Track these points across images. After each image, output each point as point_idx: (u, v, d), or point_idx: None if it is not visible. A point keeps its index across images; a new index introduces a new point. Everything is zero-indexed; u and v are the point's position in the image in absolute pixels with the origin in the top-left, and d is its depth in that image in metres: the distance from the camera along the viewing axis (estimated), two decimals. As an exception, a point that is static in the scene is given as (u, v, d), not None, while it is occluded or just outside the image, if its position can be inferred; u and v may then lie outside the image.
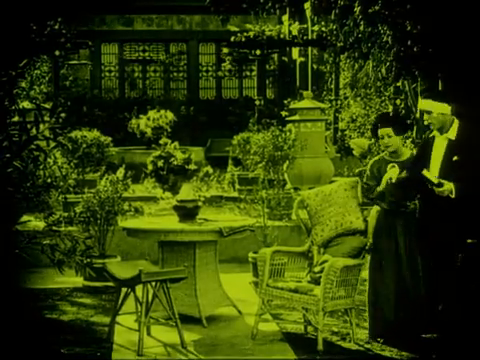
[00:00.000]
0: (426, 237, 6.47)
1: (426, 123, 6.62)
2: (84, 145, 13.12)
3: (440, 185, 6.29)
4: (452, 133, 6.44)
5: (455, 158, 6.38)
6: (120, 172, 9.99)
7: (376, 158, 7.10)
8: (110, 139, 14.14)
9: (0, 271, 5.66)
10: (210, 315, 7.42)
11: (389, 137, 6.80)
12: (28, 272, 9.17)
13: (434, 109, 6.45)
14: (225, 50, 21.13)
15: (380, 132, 6.83)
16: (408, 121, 13.85)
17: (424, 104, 6.53)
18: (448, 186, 6.27)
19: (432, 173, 6.42)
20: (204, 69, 23.27)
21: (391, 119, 6.96)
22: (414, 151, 7.12)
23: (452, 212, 6.32)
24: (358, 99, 15.81)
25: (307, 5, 15.07)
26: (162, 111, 19.49)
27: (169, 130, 19.13)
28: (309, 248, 7.09)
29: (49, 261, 5.80)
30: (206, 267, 7.54)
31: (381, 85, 14.35)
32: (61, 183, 7.91)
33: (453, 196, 6.26)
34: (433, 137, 6.57)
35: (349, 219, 6.89)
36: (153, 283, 6.69)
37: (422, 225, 6.54)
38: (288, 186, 12.80)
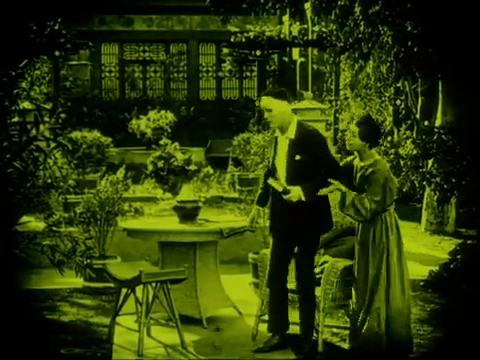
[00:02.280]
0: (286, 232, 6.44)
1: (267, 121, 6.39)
2: (84, 145, 13.15)
3: (285, 192, 6.17)
4: (291, 132, 6.25)
5: (298, 157, 6.21)
6: (120, 173, 9.98)
7: (348, 158, 6.88)
8: (110, 140, 14.16)
9: (0, 272, 5.65)
10: (210, 316, 7.41)
11: (354, 137, 6.60)
12: (28, 273, 9.16)
13: (274, 107, 6.21)
14: (225, 50, 21.11)
15: None
16: (408, 121, 13.90)
17: (264, 101, 6.26)
18: (295, 192, 6.13)
19: (280, 174, 6.28)
20: (204, 69, 23.27)
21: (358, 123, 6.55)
22: (383, 157, 6.84)
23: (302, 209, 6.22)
24: (358, 99, 15.81)
25: (307, 5, 15.05)
26: (162, 112, 19.49)
27: (169, 131, 19.13)
28: (309, 249, 7.05)
29: (49, 262, 5.79)
30: (206, 268, 7.53)
31: (381, 85, 14.36)
32: (61, 184, 7.90)
33: (304, 199, 6.12)
34: (276, 137, 6.37)
35: (349, 220, 6.87)
36: (153, 284, 6.68)
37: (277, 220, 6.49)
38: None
